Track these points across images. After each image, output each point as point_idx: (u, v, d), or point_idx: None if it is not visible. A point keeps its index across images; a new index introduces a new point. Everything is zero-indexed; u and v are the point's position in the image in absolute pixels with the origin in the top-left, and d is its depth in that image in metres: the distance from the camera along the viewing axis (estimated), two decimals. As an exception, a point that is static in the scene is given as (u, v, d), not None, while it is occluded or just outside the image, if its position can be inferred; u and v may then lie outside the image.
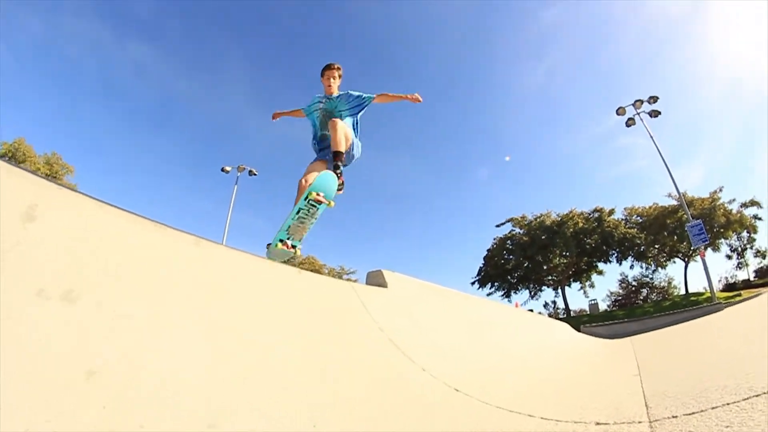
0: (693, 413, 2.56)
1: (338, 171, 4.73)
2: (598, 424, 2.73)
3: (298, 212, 4.24)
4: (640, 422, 2.62)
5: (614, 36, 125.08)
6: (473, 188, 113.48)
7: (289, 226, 4.25)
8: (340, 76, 5.48)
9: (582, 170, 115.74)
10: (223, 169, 38.34)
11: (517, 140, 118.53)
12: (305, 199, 4.22)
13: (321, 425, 2.42)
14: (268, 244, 4.21)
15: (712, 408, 2.54)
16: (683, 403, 2.83)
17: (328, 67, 5.38)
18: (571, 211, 57.84)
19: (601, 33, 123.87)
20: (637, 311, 46.61)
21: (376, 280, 6.09)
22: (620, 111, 34.38)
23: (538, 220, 58.09)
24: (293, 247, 4.31)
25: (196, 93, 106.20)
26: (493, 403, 3.45)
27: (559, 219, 57.42)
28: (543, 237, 55.84)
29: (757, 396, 2.51)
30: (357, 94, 5.32)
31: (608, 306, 62.72)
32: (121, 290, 2.39)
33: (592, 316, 50.02)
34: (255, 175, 39.52)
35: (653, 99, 33.63)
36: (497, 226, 60.30)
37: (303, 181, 4.72)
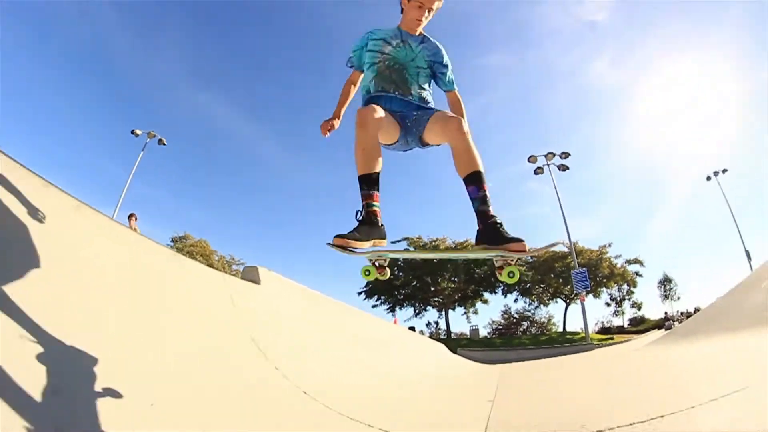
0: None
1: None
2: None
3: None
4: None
5: (548, 90, 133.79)
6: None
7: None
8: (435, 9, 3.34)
9: None
10: (133, 132, 35.62)
11: (433, 163, 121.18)
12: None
13: (157, 411, 2.24)
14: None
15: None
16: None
17: None
18: (466, 241, 58.86)
19: (537, 85, 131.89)
20: (514, 341, 48.89)
21: (250, 275, 5.93)
22: (531, 159, 36.57)
23: (433, 243, 59.52)
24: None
25: (131, 45, 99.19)
26: (336, 409, 3.41)
27: (454, 246, 58.90)
28: (435, 261, 56.95)
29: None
30: (447, 61, 3.53)
31: (488, 333, 65.30)
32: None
33: (471, 341, 51.88)
34: (164, 144, 37.26)
35: (565, 154, 36.12)
36: (393, 242, 60.70)
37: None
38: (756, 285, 9.49)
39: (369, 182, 2.91)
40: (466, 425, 3.35)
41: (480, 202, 2.97)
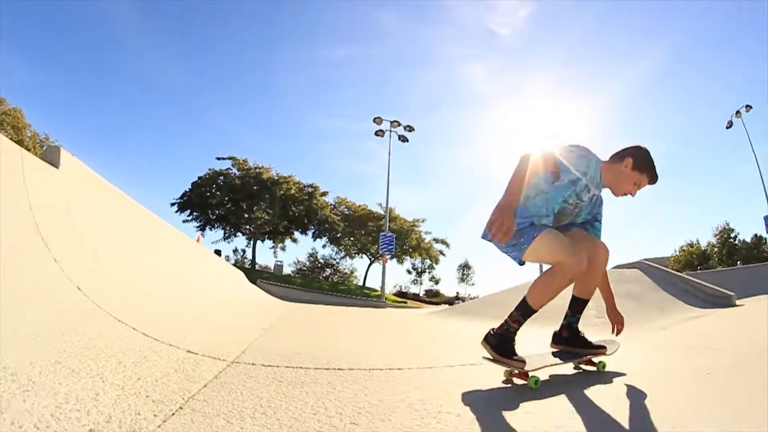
0: (270, 366, 3.01)
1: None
2: (189, 351, 2.98)
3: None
4: (223, 360, 2.95)
5: (421, 67, 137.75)
6: (215, 106, 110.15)
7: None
8: None
9: (322, 149, 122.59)
10: None
11: (284, 89, 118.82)
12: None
13: None
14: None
15: (286, 366, 3.01)
16: (271, 358, 3.30)
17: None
18: (290, 176, 60.03)
19: (413, 57, 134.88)
20: (314, 284, 50.08)
21: (50, 157, 5.60)
22: (377, 120, 37.54)
23: (257, 169, 58.76)
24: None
25: None
26: (107, 309, 3.50)
27: (276, 178, 58.96)
28: (255, 188, 56.72)
29: (324, 369, 3.00)
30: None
31: (292, 272, 66.83)
32: None
33: (273, 275, 52.36)
34: None
35: (409, 128, 37.61)
36: (218, 158, 58.77)
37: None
38: (521, 290, 11.07)
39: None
40: (228, 344, 3.62)
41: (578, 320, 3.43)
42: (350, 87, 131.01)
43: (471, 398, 2.49)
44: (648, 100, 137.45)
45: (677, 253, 60.30)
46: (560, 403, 2.46)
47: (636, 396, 2.63)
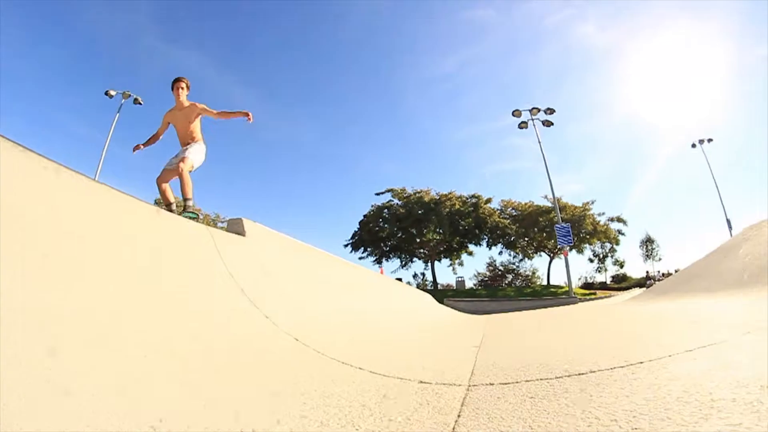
0: (508, 383, 2.74)
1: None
2: (421, 382, 2.84)
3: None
4: (459, 385, 2.76)
5: (533, 48, 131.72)
6: (361, 153, 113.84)
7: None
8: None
9: (470, 157, 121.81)
10: (107, 93, 34.73)
11: (413, 115, 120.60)
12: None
13: (148, 368, 2.29)
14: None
15: (526, 381, 2.73)
16: (505, 374, 3.02)
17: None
18: (450, 193, 60.52)
19: (522, 42, 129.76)
20: (499, 293, 49.51)
21: (235, 227, 5.96)
22: (516, 113, 36.18)
23: (417, 195, 59.98)
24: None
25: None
26: (329, 355, 3.50)
27: (438, 198, 59.72)
28: (420, 212, 57.90)
29: (568, 376, 2.71)
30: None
31: (474, 285, 66.57)
32: None
33: (457, 292, 52.66)
34: (140, 104, 36.49)
35: (550, 110, 35.73)
36: (377, 194, 61.41)
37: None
38: (733, 251, 9.68)
39: None
40: (454, 368, 3.46)
41: None
42: (474, 91, 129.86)
43: (733, 380, 2.10)
44: None
45: None
46: None
47: None
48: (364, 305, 7.87)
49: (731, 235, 37.74)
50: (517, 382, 2.72)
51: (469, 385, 2.75)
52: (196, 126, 6.57)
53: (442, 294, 43.01)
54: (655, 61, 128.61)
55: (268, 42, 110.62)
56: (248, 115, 6.41)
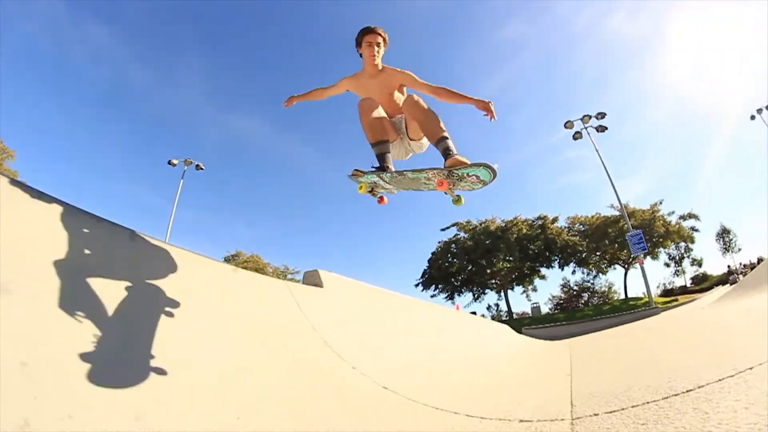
0: (614, 411, 2.62)
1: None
2: (522, 421, 2.76)
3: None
4: (562, 420, 2.67)
5: (570, 52, 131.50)
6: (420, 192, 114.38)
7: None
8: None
9: (529, 179, 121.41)
10: (170, 162, 37.55)
11: (468, 144, 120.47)
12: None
13: (247, 425, 2.34)
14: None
15: (632, 406, 2.62)
16: (606, 401, 2.90)
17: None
18: (515, 218, 60.00)
19: (558, 49, 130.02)
20: (577, 314, 48.06)
21: (312, 279, 6.02)
22: (568, 125, 35.64)
23: (482, 225, 59.85)
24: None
25: (150, 79, 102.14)
26: (421, 401, 3.46)
27: (504, 225, 59.43)
28: (487, 242, 57.71)
29: (675, 395, 2.58)
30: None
31: (550, 309, 64.92)
32: (55, 284, 2.30)
33: (533, 319, 51.34)
34: (202, 169, 39.00)
35: (601, 115, 35.03)
36: (442, 230, 61.75)
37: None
38: None
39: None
40: (551, 400, 3.35)
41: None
42: (520, 109, 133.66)
43: None
44: None
45: None
46: None
47: None
48: (447, 344, 7.78)
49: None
50: (623, 410, 2.61)
51: (573, 419, 2.66)
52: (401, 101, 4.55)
53: (518, 323, 42.07)
54: (695, 37, 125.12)
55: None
56: (489, 106, 4.03)
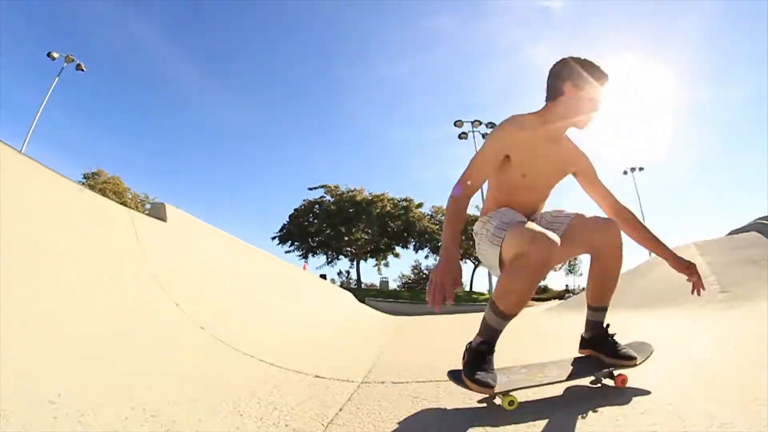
0: (399, 383, 2.91)
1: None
2: (316, 376, 2.95)
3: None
4: (352, 382, 2.90)
5: (484, 63, 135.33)
6: (296, 146, 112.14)
7: None
8: None
9: (408, 161, 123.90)
10: (49, 55, 33.16)
11: (357, 112, 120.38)
12: None
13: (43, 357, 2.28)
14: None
15: (416, 381, 2.91)
16: (399, 374, 3.20)
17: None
18: (383, 194, 60.58)
19: (475, 55, 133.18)
20: (421, 297, 49.83)
21: (157, 212, 5.86)
22: (458, 123, 36.44)
23: (350, 193, 59.86)
24: None
25: None
26: (234, 346, 3.55)
27: (370, 198, 59.65)
28: (351, 210, 57.78)
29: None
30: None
31: (398, 286, 67.55)
32: None
33: (380, 292, 52.84)
34: (83, 70, 34.56)
35: (491, 124, 35.96)
36: (310, 189, 60.63)
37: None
38: (646, 272, 10.52)
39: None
40: (354, 365, 3.60)
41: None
42: (421, 97, 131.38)
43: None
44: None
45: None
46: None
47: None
48: (283, 300, 7.89)
49: (650, 255, 40.06)
50: (407, 383, 2.88)
51: (362, 382, 2.89)
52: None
53: (364, 293, 43.28)
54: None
55: (218, 22, 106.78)
56: (694, 270, 2.62)
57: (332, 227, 58.25)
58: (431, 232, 60.42)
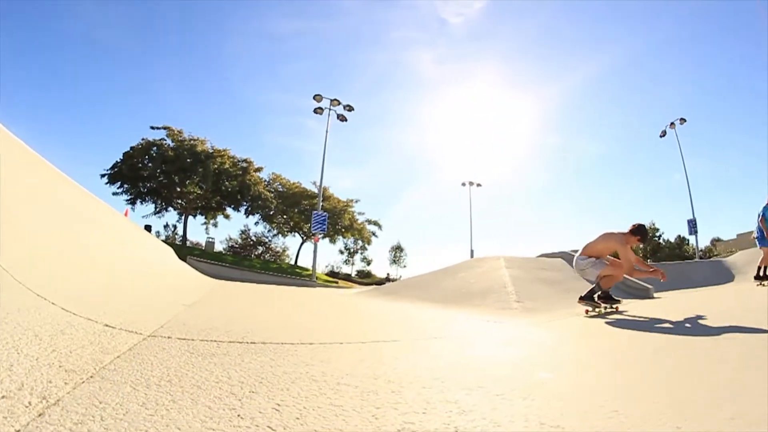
0: (185, 339, 3.12)
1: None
2: (107, 326, 3.08)
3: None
4: (139, 333, 3.10)
5: (371, 48, 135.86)
6: (157, 74, 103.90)
7: None
8: None
9: (260, 123, 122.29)
10: None
11: (226, 61, 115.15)
12: None
13: None
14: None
15: (201, 340, 3.15)
16: (189, 331, 3.40)
17: None
18: (224, 150, 58.27)
19: (365, 38, 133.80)
20: (245, 263, 49.55)
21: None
22: (317, 97, 36.44)
23: (192, 141, 56.50)
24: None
25: None
26: (26, 284, 3.48)
27: (211, 151, 57.50)
28: (188, 160, 54.72)
29: (239, 342, 3.13)
30: None
31: (224, 249, 66.11)
32: None
33: (204, 252, 51.32)
34: None
35: (349, 107, 36.91)
36: (152, 128, 55.42)
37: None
38: (454, 273, 11.69)
39: None
40: (151, 319, 3.72)
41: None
42: (297, 61, 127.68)
43: (371, 371, 2.70)
44: (592, 100, 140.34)
45: (602, 247, 65.32)
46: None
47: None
48: (92, 242, 7.54)
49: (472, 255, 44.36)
50: (192, 339, 3.11)
51: (149, 335, 3.06)
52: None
53: (188, 251, 41.98)
54: (460, 107, 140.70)
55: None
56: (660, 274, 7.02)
57: (166, 175, 54.19)
58: (265, 198, 59.88)
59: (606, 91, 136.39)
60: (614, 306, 7.04)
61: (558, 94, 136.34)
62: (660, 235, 63.57)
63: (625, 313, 6.71)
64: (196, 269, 21.03)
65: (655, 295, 11.17)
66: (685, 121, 42.37)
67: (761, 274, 11.13)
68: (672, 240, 62.66)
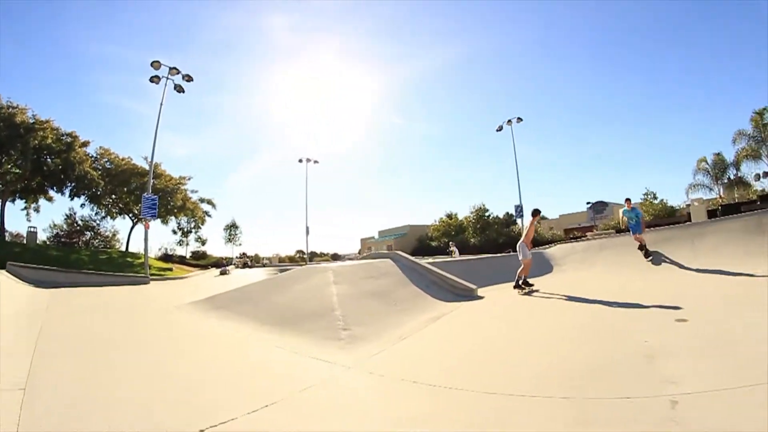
0: None
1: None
2: None
3: None
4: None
5: (221, 8, 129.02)
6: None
7: None
8: None
9: (92, 79, 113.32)
10: None
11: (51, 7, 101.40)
12: None
13: None
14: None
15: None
16: None
17: None
18: (48, 121, 49.27)
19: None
20: (72, 256, 44.76)
21: None
22: (155, 64, 32.22)
23: (9, 109, 46.90)
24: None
25: None
26: None
27: (32, 122, 47.81)
28: (4, 134, 44.95)
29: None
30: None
31: (48, 239, 58.15)
32: None
33: (26, 248, 43.12)
34: None
35: (188, 77, 33.58)
36: None
37: None
38: (286, 286, 12.51)
39: None
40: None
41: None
42: (140, 12, 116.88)
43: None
44: (439, 87, 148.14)
45: (437, 222, 76.06)
46: None
47: None
48: None
49: (307, 241, 46.26)
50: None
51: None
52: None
53: (9, 247, 38.09)
54: (308, 80, 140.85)
55: None
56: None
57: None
58: (92, 178, 53.03)
59: (452, 80, 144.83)
60: (532, 287, 12.56)
61: (405, 78, 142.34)
62: (489, 214, 70.42)
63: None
64: (21, 278, 19.19)
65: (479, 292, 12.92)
66: (521, 120, 48.67)
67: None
68: (501, 216, 69.63)
